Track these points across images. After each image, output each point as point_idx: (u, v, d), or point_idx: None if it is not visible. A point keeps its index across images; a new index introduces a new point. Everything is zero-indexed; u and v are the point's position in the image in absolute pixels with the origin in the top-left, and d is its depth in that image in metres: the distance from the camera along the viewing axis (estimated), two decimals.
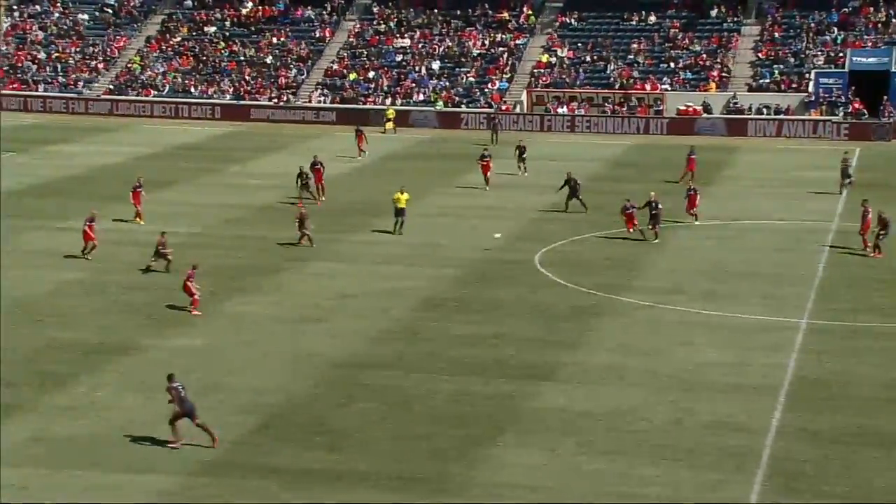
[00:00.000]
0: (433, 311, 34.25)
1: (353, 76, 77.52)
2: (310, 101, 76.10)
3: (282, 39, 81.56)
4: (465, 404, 27.20)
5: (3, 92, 77.80)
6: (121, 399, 27.28)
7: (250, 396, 27.46)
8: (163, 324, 32.80)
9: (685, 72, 73.84)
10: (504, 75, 75.88)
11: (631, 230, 42.46)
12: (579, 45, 77.52)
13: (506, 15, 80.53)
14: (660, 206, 42.44)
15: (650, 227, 42.15)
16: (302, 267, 38.96)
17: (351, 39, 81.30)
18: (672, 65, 74.45)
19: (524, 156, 55.63)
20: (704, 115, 70.39)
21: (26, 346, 30.68)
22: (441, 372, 29.19)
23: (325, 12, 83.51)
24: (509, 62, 76.64)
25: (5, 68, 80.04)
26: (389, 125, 70.51)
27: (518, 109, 73.40)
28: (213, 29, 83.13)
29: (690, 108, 70.72)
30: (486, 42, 78.97)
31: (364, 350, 30.92)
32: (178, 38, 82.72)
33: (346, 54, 79.77)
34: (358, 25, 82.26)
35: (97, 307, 34.35)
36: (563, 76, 74.61)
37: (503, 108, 72.59)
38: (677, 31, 77.30)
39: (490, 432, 25.56)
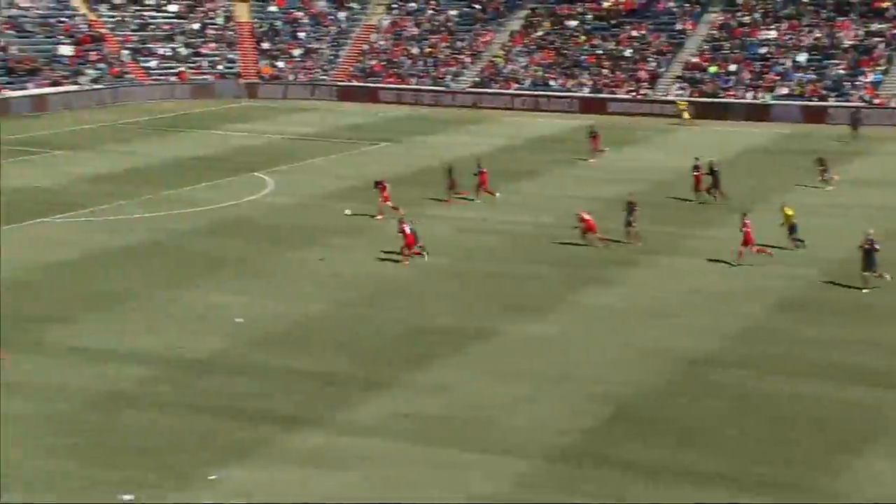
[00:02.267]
0: (790, 312, 32.94)
1: (713, 69, 75.96)
2: (667, 95, 75.19)
3: (642, 32, 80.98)
4: (822, 409, 25.98)
5: (381, 85, 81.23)
6: (477, 382, 27.78)
7: (601, 387, 27.32)
8: (518, 311, 33.18)
9: None
10: (879, 67, 72.18)
11: None
12: None
13: (887, 3, 76.45)
14: None
15: None
16: (654, 261, 38.45)
17: (713, 31, 79.68)
18: None
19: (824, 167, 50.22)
20: None
21: (390, 328, 31.80)
22: (796, 374, 28.03)
23: (687, 4, 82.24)
24: (886, 53, 72.91)
25: (384, 63, 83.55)
26: (686, 115, 69.10)
27: (894, 104, 69.53)
28: (574, 23, 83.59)
29: None
30: (861, 32, 75.32)
31: (716, 347, 30.13)
32: (541, 33, 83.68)
33: (707, 47, 78.27)
34: (721, 17, 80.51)
35: (456, 292, 35.18)
36: None
37: (875, 101, 69.01)
38: None
39: (852, 441, 24.26)
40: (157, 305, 33.53)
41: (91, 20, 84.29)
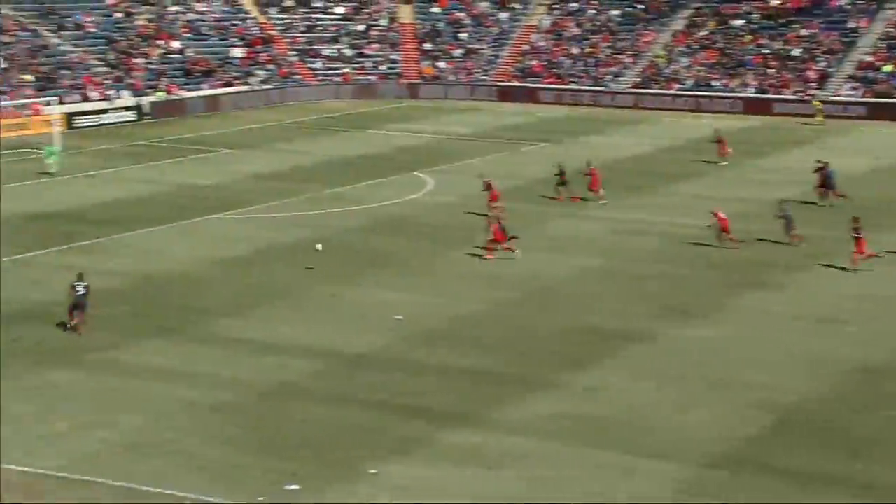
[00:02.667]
0: None
1: (888, 68, 73.56)
2: (837, 95, 73.15)
3: (812, 31, 78.96)
4: None
5: (540, 85, 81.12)
6: (635, 385, 27.50)
7: (764, 393, 26.74)
8: (676, 313, 32.71)
9: None
10: None
11: None
12: None
13: None
14: None
15: None
16: (816, 265, 37.45)
17: (889, 29, 77.18)
18: None
19: None
20: None
21: (547, 328, 31.72)
22: None
23: (861, 2, 79.84)
24: None
25: (543, 63, 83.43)
26: (818, 117, 67.18)
27: None
28: (740, 22, 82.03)
29: None
30: None
31: (886, 356, 29.17)
32: (704, 32, 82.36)
33: (883, 45, 75.87)
34: None
35: (613, 294, 34.89)
36: None
37: None
38: None
39: None
40: (320, 301, 34.13)
41: (262, 23, 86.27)
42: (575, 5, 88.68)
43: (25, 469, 22.99)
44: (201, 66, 77.62)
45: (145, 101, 70.98)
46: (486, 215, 42.30)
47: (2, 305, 32.96)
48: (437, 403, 26.42)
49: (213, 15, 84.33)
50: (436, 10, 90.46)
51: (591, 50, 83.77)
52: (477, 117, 73.21)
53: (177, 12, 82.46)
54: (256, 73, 79.83)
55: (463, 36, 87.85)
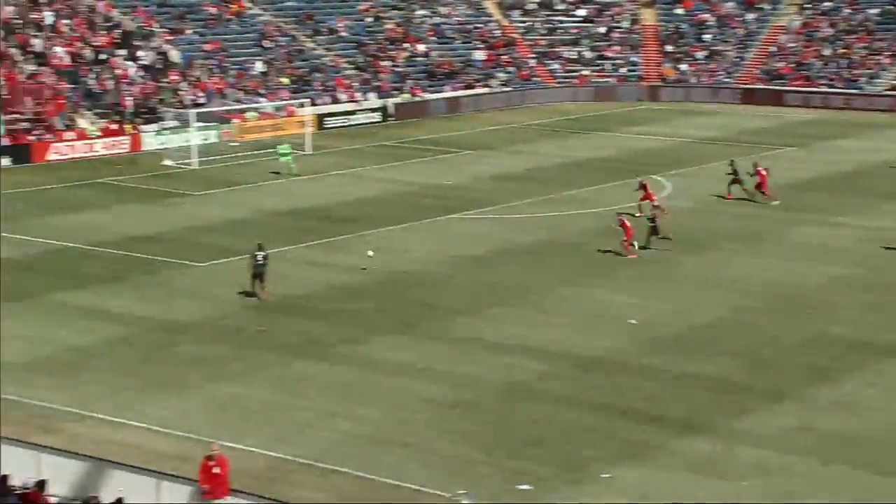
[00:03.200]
0: None
1: None
2: None
3: None
4: None
5: (787, 88, 78.76)
6: (889, 401, 26.30)
7: None
8: None
9: None
10: None
11: None
12: None
13: None
14: None
15: None
16: None
17: None
18: None
19: None
20: None
21: (793, 337, 30.76)
22: None
23: None
24: None
25: (792, 65, 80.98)
26: None
27: None
28: None
29: None
30: None
31: None
32: None
33: None
34: None
35: (864, 305, 33.53)
36: None
37: None
38: None
39: None
40: (555, 302, 34.14)
41: (504, 25, 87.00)
42: (829, 4, 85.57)
43: (275, 454, 23.88)
44: (444, 68, 78.88)
45: (391, 102, 72.66)
46: (632, 215, 41.89)
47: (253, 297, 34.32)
48: (672, 410, 26.00)
49: (456, 18, 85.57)
50: (679, 11, 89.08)
51: (844, 51, 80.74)
52: (719, 120, 71.74)
53: (423, 16, 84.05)
54: (497, 76, 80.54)
55: (707, 37, 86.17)
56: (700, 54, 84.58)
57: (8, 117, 56.52)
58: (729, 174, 47.36)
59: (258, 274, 33.89)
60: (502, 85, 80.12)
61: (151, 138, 59.88)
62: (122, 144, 58.20)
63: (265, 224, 44.05)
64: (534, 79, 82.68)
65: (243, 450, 23.73)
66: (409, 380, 28.04)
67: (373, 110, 71.44)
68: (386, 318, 32.77)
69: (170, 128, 60.63)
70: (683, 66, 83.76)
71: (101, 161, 56.11)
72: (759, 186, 46.65)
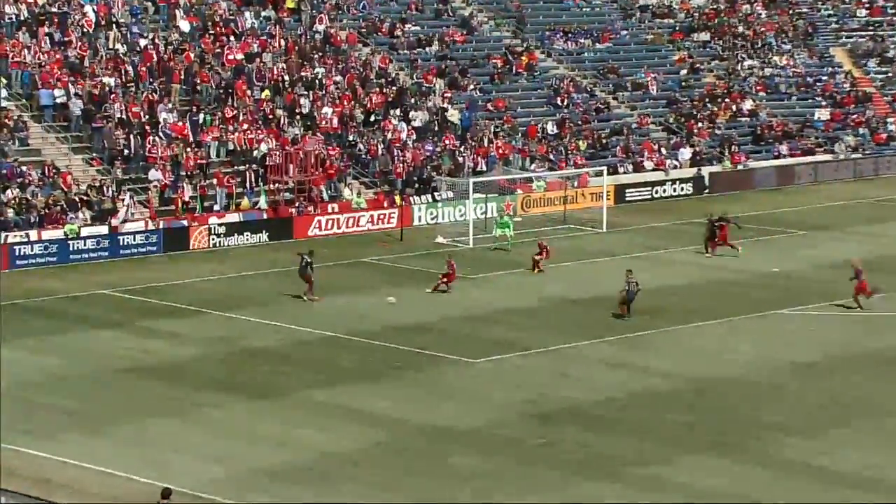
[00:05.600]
0: None
1: None
2: None
3: None
4: None
5: None
6: None
7: None
8: None
9: None
10: None
11: None
12: None
13: None
14: None
15: None
16: None
17: None
18: None
19: None
20: None
21: None
22: None
23: None
24: None
25: None
26: None
27: None
28: None
29: None
30: None
31: None
32: None
33: None
34: None
35: None
36: None
37: None
38: None
39: None
40: None
41: (856, 77, 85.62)
42: None
43: None
44: (776, 130, 78.26)
45: (706, 171, 72.53)
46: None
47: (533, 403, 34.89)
48: None
49: (794, 69, 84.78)
50: None
51: None
52: None
53: (751, 67, 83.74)
54: (844, 139, 79.21)
55: None
56: None
57: (270, 187, 59.47)
58: None
59: (303, 276, 45.63)
60: (850, 150, 78.71)
61: (423, 211, 62.00)
62: (390, 218, 60.30)
63: (548, 312, 44.73)
64: (894, 143, 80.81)
65: None
66: None
67: (684, 181, 71.51)
68: (697, 433, 32.66)
69: (444, 199, 62.59)
70: None
71: (368, 237, 58.35)
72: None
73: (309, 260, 45.77)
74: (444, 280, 47.47)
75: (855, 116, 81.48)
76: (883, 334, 41.94)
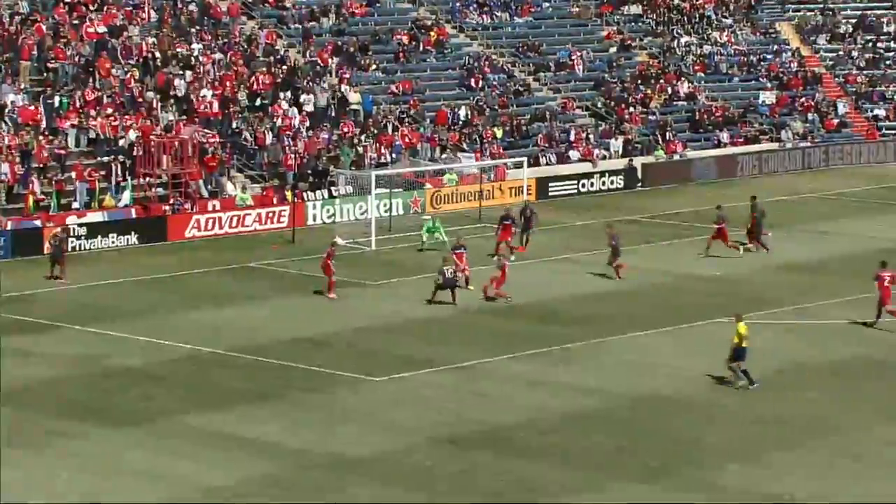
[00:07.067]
0: None
1: None
2: None
3: None
4: None
5: None
6: None
7: None
8: None
9: None
10: None
11: None
12: None
13: None
14: None
15: None
16: None
17: None
18: None
19: None
20: None
21: None
22: None
23: None
24: None
25: None
26: None
27: None
28: None
29: None
30: None
31: None
32: None
33: None
34: None
35: None
36: None
37: None
38: None
39: None
40: (872, 448, 33.44)
41: (805, 56, 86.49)
42: None
43: None
44: (716, 115, 78.82)
45: (639, 162, 72.88)
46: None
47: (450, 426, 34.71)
48: None
49: (736, 47, 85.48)
50: None
51: None
52: None
53: (688, 44, 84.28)
54: (792, 126, 79.94)
55: None
56: None
57: (139, 182, 58.77)
58: None
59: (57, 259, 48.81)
60: (798, 139, 79.46)
61: (318, 209, 61.60)
62: (280, 217, 59.84)
63: (464, 325, 44.61)
64: (845, 130, 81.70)
65: None
66: None
67: (614, 173, 71.81)
68: (628, 458, 32.67)
69: (342, 195, 62.26)
70: None
71: (254, 239, 57.85)
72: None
73: (63, 237, 50.64)
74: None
75: (803, 100, 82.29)
76: (835, 346, 42.21)
